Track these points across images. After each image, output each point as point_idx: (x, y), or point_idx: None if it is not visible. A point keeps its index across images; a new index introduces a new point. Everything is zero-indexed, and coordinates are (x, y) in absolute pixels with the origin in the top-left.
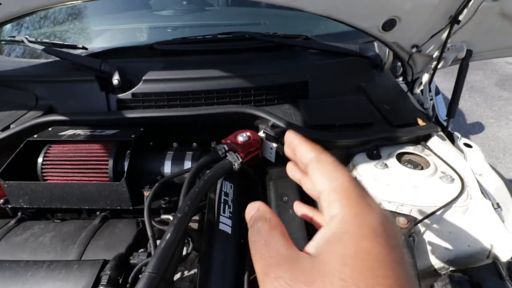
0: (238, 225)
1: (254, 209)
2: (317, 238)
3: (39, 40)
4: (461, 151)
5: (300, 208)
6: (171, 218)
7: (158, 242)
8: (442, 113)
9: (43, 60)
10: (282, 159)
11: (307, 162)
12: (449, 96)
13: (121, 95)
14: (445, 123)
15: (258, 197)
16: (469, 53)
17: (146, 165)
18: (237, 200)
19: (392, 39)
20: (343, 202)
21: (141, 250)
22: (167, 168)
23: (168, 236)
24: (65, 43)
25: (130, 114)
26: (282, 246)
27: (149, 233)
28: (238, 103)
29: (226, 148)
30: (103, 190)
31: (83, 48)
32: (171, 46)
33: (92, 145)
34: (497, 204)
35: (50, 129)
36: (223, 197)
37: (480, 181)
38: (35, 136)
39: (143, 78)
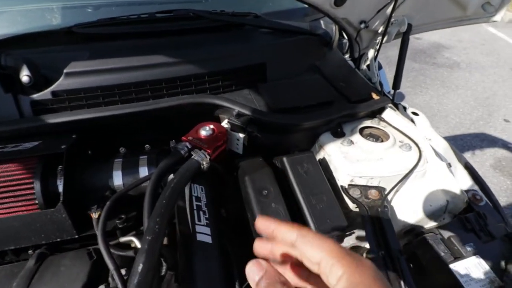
0: (217, 232)
1: (259, 273)
2: None
3: None
4: (411, 119)
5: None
6: (133, 240)
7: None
8: (385, 86)
9: None
10: (250, 150)
11: (292, 240)
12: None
13: (36, 96)
14: (389, 96)
15: (230, 195)
16: (410, 26)
17: (89, 180)
18: (211, 203)
19: (343, 14)
20: (342, 263)
21: (102, 287)
22: (118, 179)
23: (140, 267)
24: None
25: (54, 119)
26: None
27: (111, 266)
28: (192, 92)
29: (189, 146)
30: (33, 222)
31: None
32: (96, 29)
33: (5, 165)
34: (449, 164)
35: None
36: (195, 202)
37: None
38: None
39: (65, 71)
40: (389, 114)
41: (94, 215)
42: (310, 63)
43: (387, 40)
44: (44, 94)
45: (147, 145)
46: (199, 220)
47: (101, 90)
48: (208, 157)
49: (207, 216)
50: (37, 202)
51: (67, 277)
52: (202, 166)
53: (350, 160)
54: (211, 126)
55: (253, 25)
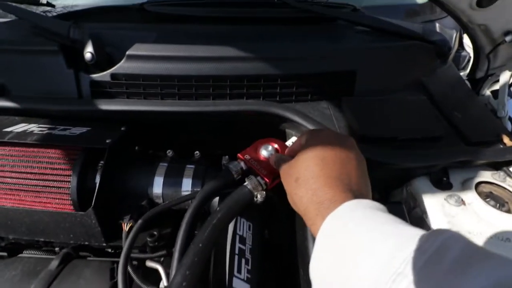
0: None
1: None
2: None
3: None
4: None
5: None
6: (160, 270)
7: None
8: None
9: None
10: None
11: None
12: None
13: (96, 76)
14: None
15: (280, 229)
16: None
17: (128, 182)
18: (257, 248)
19: (483, 20)
20: (307, 133)
21: None
22: (157, 187)
23: None
24: None
25: (109, 106)
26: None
27: None
28: (259, 96)
29: (244, 167)
30: (63, 221)
31: (49, 4)
32: (169, 9)
33: (49, 150)
34: None
35: None
36: (237, 244)
37: None
38: None
39: (127, 52)
40: None
41: (125, 227)
42: (414, 77)
43: None
44: (104, 76)
45: (197, 152)
46: (239, 271)
47: (161, 79)
48: (265, 187)
49: (249, 268)
50: (71, 198)
51: None
52: (255, 199)
53: (458, 230)
54: (275, 146)
55: (350, 21)
